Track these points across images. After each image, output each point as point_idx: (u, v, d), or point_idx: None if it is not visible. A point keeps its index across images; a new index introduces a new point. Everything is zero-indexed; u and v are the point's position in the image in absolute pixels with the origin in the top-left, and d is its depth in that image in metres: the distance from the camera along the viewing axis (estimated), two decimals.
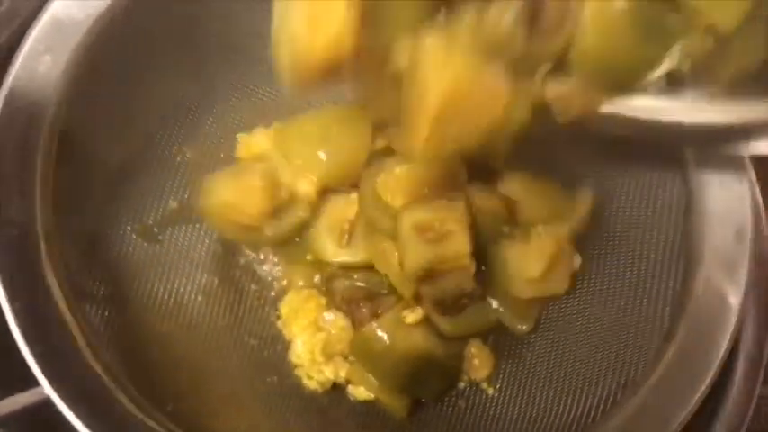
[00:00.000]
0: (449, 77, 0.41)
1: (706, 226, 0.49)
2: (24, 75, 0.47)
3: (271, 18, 0.42)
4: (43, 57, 0.48)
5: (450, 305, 0.55)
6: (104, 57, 0.50)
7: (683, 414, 0.44)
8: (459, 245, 0.53)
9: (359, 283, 0.58)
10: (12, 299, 0.41)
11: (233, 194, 0.56)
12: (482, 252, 0.55)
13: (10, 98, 0.46)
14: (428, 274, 0.54)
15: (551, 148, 0.55)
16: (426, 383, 0.56)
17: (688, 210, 0.50)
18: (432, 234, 0.53)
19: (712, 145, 0.47)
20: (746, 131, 0.44)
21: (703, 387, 0.46)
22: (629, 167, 0.56)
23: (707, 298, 0.47)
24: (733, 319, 0.46)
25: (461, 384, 0.57)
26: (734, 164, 0.49)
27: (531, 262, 0.56)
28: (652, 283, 0.51)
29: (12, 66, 0.47)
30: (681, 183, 0.51)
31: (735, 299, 0.47)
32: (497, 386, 0.56)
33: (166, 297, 0.54)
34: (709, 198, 0.49)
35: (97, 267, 0.50)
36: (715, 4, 0.41)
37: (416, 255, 0.53)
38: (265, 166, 0.57)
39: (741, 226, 0.48)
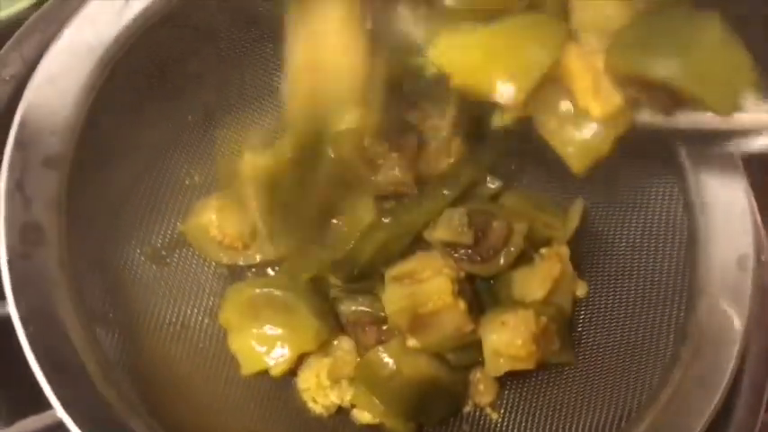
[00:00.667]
0: None
1: (708, 253, 0.49)
2: (37, 102, 0.48)
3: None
4: (55, 83, 0.48)
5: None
6: (114, 83, 0.51)
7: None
8: (441, 283, 0.54)
9: (363, 308, 0.59)
10: (26, 323, 0.42)
11: (213, 215, 0.58)
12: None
13: (23, 126, 0.47)
14: (416, 322, 0.54)
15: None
16: (431, 409, 0.56)
17: (691, 236, 0.50)
18: (409, 280, 0.55)
19: (705, 142, 0.47)
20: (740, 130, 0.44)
21: (708, 413, 0.46)
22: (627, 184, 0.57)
23: (711, 325, 0.48)
24: (737, 346, 0.47)
25: (466, 409, 0.57)
26: (735, 190, 0.50)
27: (534, 285, 0.57)
28: (656, 310, 0.52)
29: (25, 92, 0.47)
30: (683, 209, 0.51)
31: (739, 325, 0.47)
32: (501, 411, 0.57)
33: (174, 320, 0.55)
34: (711, 225, 0.50)
35: (108, 291, 0.50)
36: None
37: (393, 297, 0.55)
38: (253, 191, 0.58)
39: (743, 253, 0.49)
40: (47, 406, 0.40)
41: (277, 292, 0.56)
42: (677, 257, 0.52)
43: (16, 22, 0.71)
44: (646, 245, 0.55)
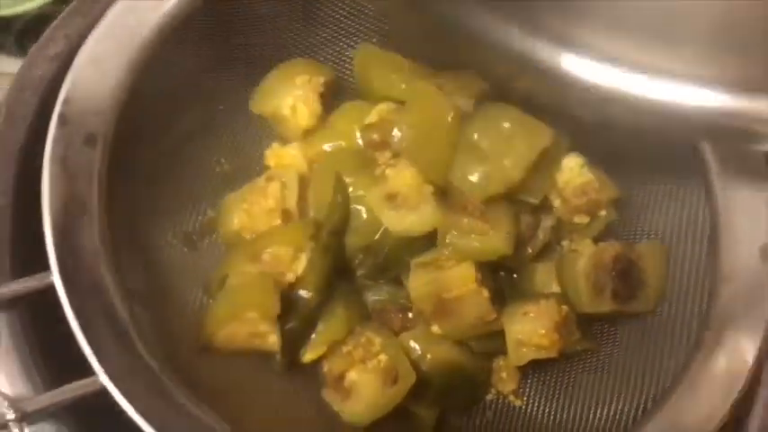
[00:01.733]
0: None
1: (731, 242, 0.51)
2: (80, 81, 0.49)
3: None
4: (98, 64, 0.50)
5: None
6: (153, 67, 0.52)
7: (719, 418, 0.45)
8: (465, 270, 0.55)
9: (388, 296, 0.59)
10: (70, 293, 0.42)
11: (244, 220, 0.58)
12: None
13: (66, 104, 0.48)
14: (440, 308, 0.55)
15: None
16: (455, 395, 0.57)
17: (713, 226, 0.52)
18: (434, 267, 0.56)
19: (728, 139, 0.48)
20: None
21: (730, 401, 0.47)
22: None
23: (733, 312, 0.49)
24: (761, 333, 0.48)
25: (489, 396, 0.58)
26: (758, 183, 0.51)
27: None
28: (678, 298, 0.53)
29: (69, 71, 0.49)
30: (706, 200, 0.52)
31: (761, 313, 0.48)
32: (524, 398, 0.57)
33: (204, 302, 0.56)
34: (734, 215, 0.51)
35: (142, 268, 0.51)
36: None
37: (418, 282, 0.55)
38: (278, 184, 0.59)
39: (766, 242, 0.50)
40: (90, 372, 0.41)
41: None
42: (700, 247, 0.53)
43: (39, 16, 0.74)
44: (669, 234, 0.56)
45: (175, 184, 0.57)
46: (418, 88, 0.58)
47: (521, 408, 0.57)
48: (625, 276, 0.55)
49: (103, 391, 0.41)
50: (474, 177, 0.55)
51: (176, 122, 0.56)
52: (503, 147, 0.55)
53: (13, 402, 0.40)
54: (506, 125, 0.56)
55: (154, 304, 0.50)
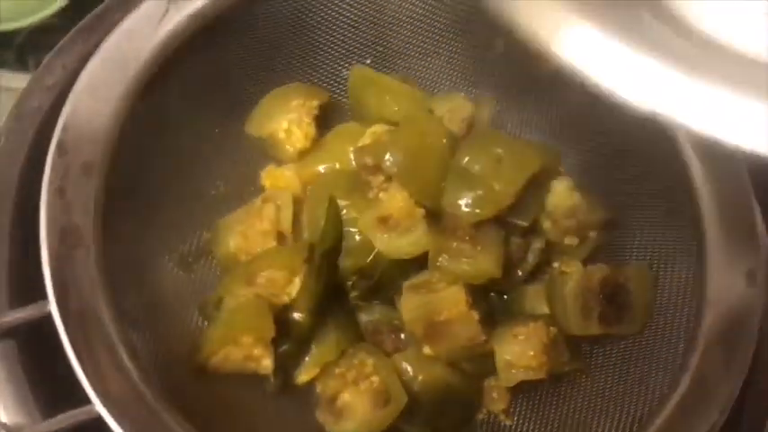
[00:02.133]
0: None
1: (717, 266, 0.51)
2: (77, 110, 0.50)
3: None
4: (95, 93, 0.50)
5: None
6: (150, 95, 0.53)
7: None
8: (456, 293, 0.56)
9: (381, 317, 0.60)
10: (66, 321, 0.43)
11: (240, 242, 0.59)
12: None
13: (64, 133, 0.49)
14: (431, 330, 0.56)
15: None
16: (447, 414, 0.58)
17: (700, 249, 0.52)
18: (425, 290, 0.57)
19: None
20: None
21: (716, 421, 0.48)
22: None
23: (720, 334, 0.50)
24: (747, 354, 0.49)
25: (480, 416, 0.59)
26: (744, 205, 0.52)
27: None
28: (665, 319, 0.54)
29: (67, 100, 0.50)
30: (692, 223, 0.53)
31: (748, 336, 0.49)
32: (515, 418, 0.58)
33: (200, 324, 0.57)
34: (720, 238, 0.52)
35: (139, 293, 0.52)
36: None
37: (410, 305, 0.56)
38: (273, 206, 0.60)
39: (752, 267, 0.51)
40: (85, 401, 0.42)
41: None
42: (687, 270, 0.54)
43: (39, 30, 0.75)
44: (656, 257, 0.57)
45: (172, 208, 0.58)
46: (411, 113, 0.59)
47: (511, 427, 0.58)
48: (612, 299, 0.56)
49: (99, 419, 0.42)
50: (465, 201, 0.56)
51: (172, 147, 0.57)
52: (493, 171, 0.56)
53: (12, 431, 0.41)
54: (497, 150, 0.57)
55: (149, 328, 0.51)
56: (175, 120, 0.57)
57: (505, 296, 0.61)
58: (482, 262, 0.56)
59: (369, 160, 0.59)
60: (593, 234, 0.60)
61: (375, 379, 0.55)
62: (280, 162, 0.64)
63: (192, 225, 0.60)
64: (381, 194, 0.58)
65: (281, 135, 0.62)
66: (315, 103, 0.63)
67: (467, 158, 0.57)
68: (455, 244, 0.57)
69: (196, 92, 0.58)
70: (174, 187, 0.58)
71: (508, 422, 0.58)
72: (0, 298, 0.47)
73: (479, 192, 0.56)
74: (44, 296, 0.44)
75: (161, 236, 0.57)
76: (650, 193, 0.58)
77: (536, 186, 0.58)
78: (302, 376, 0.56)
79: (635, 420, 0.51)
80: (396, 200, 0.57)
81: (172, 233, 0.58)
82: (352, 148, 0.62)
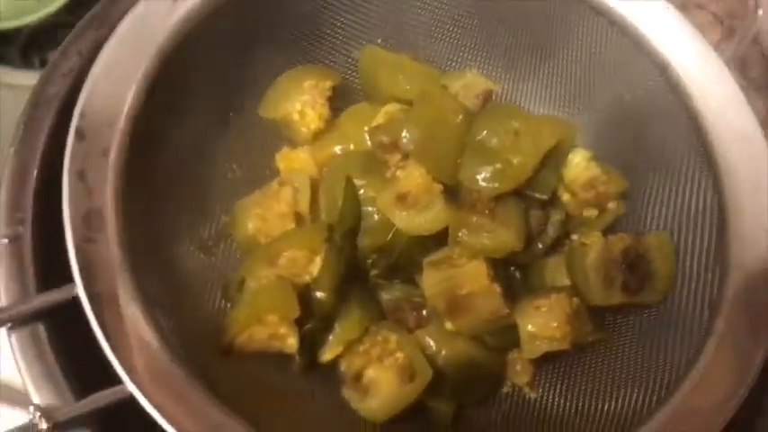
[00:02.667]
0: None
1: (740, 229, 0.51)
2: (94, 95, 0.50)
3: None
4: (111, 77, 0.50)
5: None
6: (165, 78, 0.53)
7: (732, 405, 0.46)
8: (477, 267, 0.56)
9: (402, 295, 0.60)
10: (93, 303, 0.44)
11: (259, 224, 0.59)
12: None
13: (82, 118, 0.49)
14: (453, 305, 0.56)
15: None
16: (471, 389, 0.58)
17: (721, 213, 0.52)
18: (446, 265, 0.57)
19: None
20: None
21: (743, 387, 0.48)
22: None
23: (744, 298, 0.50)
24: None
25: (504, 389, 0.59)
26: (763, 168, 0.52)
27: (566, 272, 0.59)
28: (689, 286, 0.54)
29: (84, 85, 0.50)
30: (713, 188, 0.53)
31: None
32: (539, 390, 0.58)
33: (223, 306, 0.57)
34: (741, 201, 0.52)
35: (161, 275, 0.52)
36: None
37: (432, 281, 0.56)
38: (290, 189, 0.60)
39: None
40: (116, 381, 0.42)
41: None
42: (709, 236, 0.54)
43: (42, 27, 0.75)
44: (677, 225, 0.57)
45: (189, 191, 0.58)
46: (425, 90, 0.59)
47: (536, 399, 0.58)
48: (634, 268, 0.56)
49: (131, 399, 0.42)
50: (483, 176, 0.56)
51: (188, 130, 0.57)
52: (510, 145, 0.56)
53: (46, 412, 0.41)
54: (513, 124, 0.57)
55: (174, 310, 0.51)
56: (191, 103, 0.57)
57: (526, 270, 0.61)
58: (502, 235, 0.56)
59: (385, 139, 0.59)
60: (612, 205, 0.60)
61: (399, 355, 0.55)
62: (294, 144, 0.64)
63: (209, 209, 0.60)
64: (399, 172, 0.58)
65: (295, 117, 0.62)
66: (328, 84, 0.63)
67: (484, 133, 0.57)
68: (475, 218, 0.57)
69: (210, 75, 0.58)
70: (191, 171, 0.58)
71: (533, 394, 0.58)
72: (27, 283, 0.47)
73: (497, 166, 0.56)
74: (70, 279, 0.44)
75: (180, 219, 0.57)
76: (668, 159, 0.58)
77: (554, 159, 0.58)
78: (327, 354, 0.56)
79: (661, 387, 0.51)
80: (413, 177, 0.57)
81: (190, 216, 0.58)
82: (366, 128, 0.62)
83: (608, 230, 0.60)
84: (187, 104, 0.56)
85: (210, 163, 0.61)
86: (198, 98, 0.57)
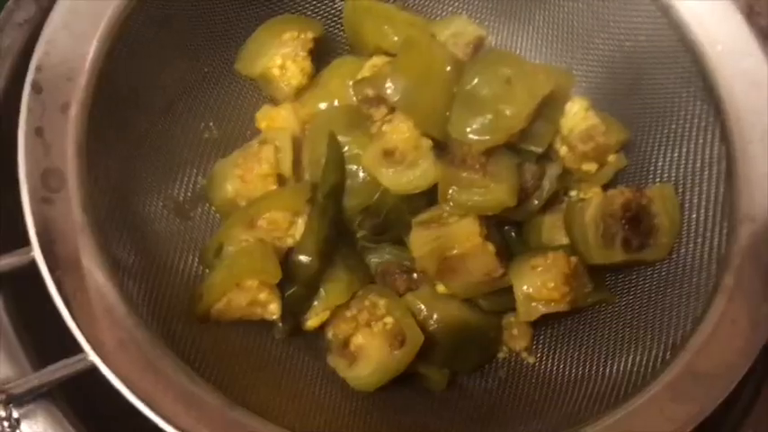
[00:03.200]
0: None
1: (749, 182, 0.48)
2: (52, 46, 0.46)
3: None
4: (71, 27, 0.47)
5: None
6: (130, 29, 0.49)
7: (743, 366, 0.43)
8: (469, 225, 0.52)
9: (391, 257, 0.57)
10: (52, 268, 0.40)
11: (238, 186, 0.55)
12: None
13: (39, 71, 0.45)
14: (444, 266, 0.53)
15: None
16: (465, 355, 0.55)
17: (729, 166, 0.49)
18: (436, 224, 0.53)
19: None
20: None
21: (755, 346, 0.45)
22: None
23: (754, 253, 0.46)
24: None
25: (501, 355, 0.56)
26: None
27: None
28: (695, 242, 0.51)
29: (40, 37, 0.46)
30: (721, 137, 0.50)
31: None
32: (538, 355, 0.55)
33: (199, 271, 0.54)
34: (750, 152, 0.48)
35: (130, 238, 0.49)
36: None
37: (420, 241, 0.53)
38: (272, 148, 0.56)
39: None
40: (77, 350, 0.39)
41: None
42: (716, 188, 0.50)
43: None
44: (681, 177, 0.53)
45: (162, 152, 0.55)
46: (411, 37, 0.55)
47: (534, 364, 0.55)
48: (636, 223, 0.53)
49: (94, 370, 0.39)
50: (473, 128, 0.52)
51: (159, 87, 0.54)
52: (502, 95, 0.53)
53: None
54: (505, 71, 0.53)
55: (145, 276, 0.48)
56: (159, 57, 0.53)
57: (521, 228, 0.58)
58: (495, 191, 0.52)
59: (369, 91, 0.55)
60: (612, 158, 0.56)
61: (389, 320, 0.52)
62: (275, 101, 0.60)
63: (184, 169, 0.57)
64: (384, 127, 0.55)
65: (276, 71, 0.58)
66: (309, 35, 0.59)
67: (474, 82, 0.53)
68: (465, 174, 0.53)
69: (180, 27, 0.54)
70: (163, 129, 0.55)
71: (531, 360, 0.55)
72: None
73: (488, 117, 0.52)
74: (27, 242, 0.41)
75: (152, 180, 0.54)
76: (672, 108, 0.54)
77: (549, 109, 0.54)
78: (311, 321, 0.53)
79: (666, 348, 0.48)
80: (400, 131, 0.54)
81: (163, 177, 0.55)
82: (351, 82, 0.58)
83: (608, 186, 0.56)
84: (156, 58, 0.52)
85: (185, 122, 0.57)
86: (168, 51, 0.53)
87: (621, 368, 0.50)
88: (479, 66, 0.54)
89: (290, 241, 0.54)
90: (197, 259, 0.54)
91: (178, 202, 0.55)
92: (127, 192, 0.50)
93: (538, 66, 0.57)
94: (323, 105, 0.59)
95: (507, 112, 0.52)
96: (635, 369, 0.49)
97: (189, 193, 0.56)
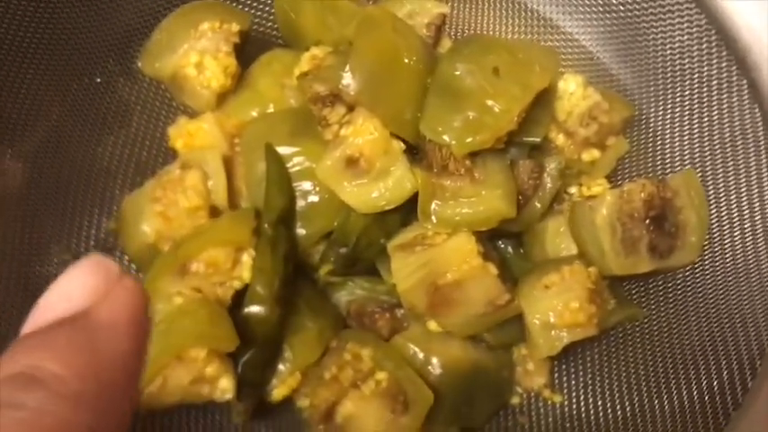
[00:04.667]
0: None
1: None
2: None
3: None
4: None
5: None
6: None
7: None
8: (462, 243, 0.42)
9: (363, 292, 0.46)
10: None
11: (159, 226, 0.43)
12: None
13: None
14: (437, 298, 0.43)
15: None
16: (475, 404, 0.44)
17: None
18: (420, 247, 0.43)
19: None
20: None
21: None
22: None
23: None
24: None
25: (515, 400, 0.45)
26: None
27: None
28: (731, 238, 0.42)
29: None
30: (750, 100, 0.42)
31: None
32: (564, 391, 0.45)
33: None
34: None
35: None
36: None
37: (404, 270, 0.42)
38: (197, 174, 0.44)
39: None
40: None
41: None
42: (745, 161, 0.42)
43: None
44: (699, 160, 0.44)
45: (50, 192, 0.41)
46: (370, 16, 0.44)
47: (561, 403, 0.44)
48: (660, 223, 0.44)
49: None
50: (453, 127, 0.42)
51: (36, 104, 0.40)
52: (489, 87, 0.42)
53: None
54: (492, 60, 0.43)
55: None
56: (34, 63, 0.39)
57: (520, 241, 0.47)
58: (488, 200, 0.42)
59: (321, 88, 0.44)
60: (611, 142, 0.47)
61: (381, 376, 0.40)
62: (193, 112, 0.47)
63: (84, 212, 0.43)
64: (343, 130, 0.43)
65: (191, 71, 0.46)
66: (234, 27, 0.47)
67: (453, 72, 0.43)
68: (448, 182, 0.43)
69: (63, 18, 0.40)
70: (49, 163, 0.41)
71: (556, 399, 0.45)
72: None
73: (471, 113, 0.42)
74: None
75: (40, 231, 0.39)
76: (681, 67, 0.45)
77: (543, 93, 0.45)
78: (278, 390, 0.41)
79: (733, 374, 0.38)
80: (365, 132, 0.42)
81: (56, 226, 0.41)
82: (287, 82, 0.47)
83: (611, 176, 0.47)
84: (29, 65, 0.38)
85: (78, 149, 0.43)
86: (45, 52, 0.39)
87: (674, 401, 0.40)
88: (458, 53, 0.44)
89: (236, 284, 0.41)
90: None
91: (78, 255, 0.41)
92: (12, 247, 0.36)
93: (530, 48, 0.47)
94: (254, 112, 0.47)
95: (495, 109, 0.42)
96: (695, 402, 0.39)
97: (93, 242, 0.42)
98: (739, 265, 0.41)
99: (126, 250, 0.44)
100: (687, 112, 0.45)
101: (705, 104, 0.44)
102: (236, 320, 0.40)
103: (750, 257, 0.41)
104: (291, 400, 0.41)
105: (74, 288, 0.19)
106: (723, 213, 0.43)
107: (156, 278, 0.40)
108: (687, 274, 0.44)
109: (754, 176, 0.42)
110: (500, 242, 0.47)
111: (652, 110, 0.47)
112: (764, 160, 0.41)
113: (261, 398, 0.40)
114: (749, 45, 0.41)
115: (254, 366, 0.40)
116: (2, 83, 0.39)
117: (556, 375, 0.45)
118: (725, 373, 0.38)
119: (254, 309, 0.41)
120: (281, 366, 0.41)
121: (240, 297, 0.41)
